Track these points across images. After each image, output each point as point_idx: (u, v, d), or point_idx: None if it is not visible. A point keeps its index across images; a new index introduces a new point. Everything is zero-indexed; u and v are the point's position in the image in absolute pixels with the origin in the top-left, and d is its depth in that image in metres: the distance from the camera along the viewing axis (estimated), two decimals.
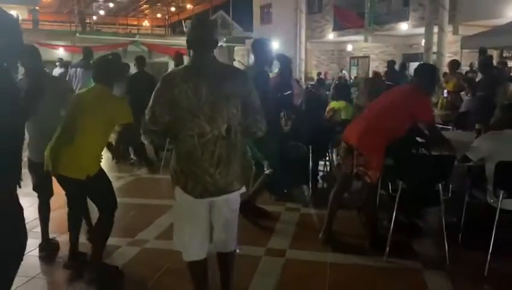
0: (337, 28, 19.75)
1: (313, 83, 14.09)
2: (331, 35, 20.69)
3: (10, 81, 1.98)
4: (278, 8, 23.43)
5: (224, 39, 22.52)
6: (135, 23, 31.48)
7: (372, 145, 3.56)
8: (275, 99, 4.32)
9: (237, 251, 2.67)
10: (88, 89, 3.27)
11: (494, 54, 12.31)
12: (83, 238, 3.63)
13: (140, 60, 7.14)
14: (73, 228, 3.35)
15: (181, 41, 24.72)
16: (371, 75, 14.16)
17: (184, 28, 28.98)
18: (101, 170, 3.12)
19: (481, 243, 3.36)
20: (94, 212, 3.32)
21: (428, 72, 3.85)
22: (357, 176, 3.63)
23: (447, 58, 12.62)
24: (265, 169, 4.29)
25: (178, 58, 7.34)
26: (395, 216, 3.51)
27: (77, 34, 20.90)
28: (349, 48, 22.06)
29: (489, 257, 3.26)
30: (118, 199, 3.28)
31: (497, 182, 3.34)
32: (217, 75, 2.34)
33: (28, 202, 2.94)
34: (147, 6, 30.40)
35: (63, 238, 3.70)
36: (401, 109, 3.63)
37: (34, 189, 3.53)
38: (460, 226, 3.79)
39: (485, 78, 6.32)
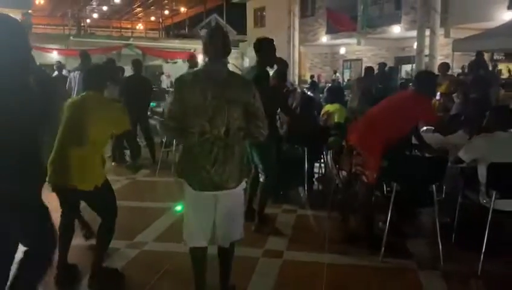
0: (330, 31, 19.86)
1: (306, 86, 14.18)
2: (324, 38, 20.80)
3: (27, 84, 2.08)
4: (272, 12, 23.53)
5: None
6: (129, 26, 31.40)
7: (370, 144, 3.65)
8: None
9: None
10: (82, 98, 3.14)
11: (486, 56, 12.45)
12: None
13: (137, 64, 7.24)
14: (67, 240, 3.21)
15: (175, 44, 24.76)
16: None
17: (183, 31, 29.06)
18: (106, 179, 3.13)
19: (474, 242, 3.44)
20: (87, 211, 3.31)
21: (429, 78, 4.03)
22: (355, 175, 3.71)
23: (439, 60, 12.74)
24: (260, 175, 4.23)
25: (192, 61, 7.95)
26: (390, 217, 3.57)
27: (71, 37, 20.88)
28: (342, 50, 22.20)
29: (482, 256, 3.33)
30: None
31: (489, 183, 3.42)
32: (224, 81, 2.57)
33: None
34: (140, 9, 30.37)
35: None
36: (403, 111, 3.75)
37: None
38: (453, 226, 3.86)
39: (475, 79, 6.42)
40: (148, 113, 7.58)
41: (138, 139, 7.30)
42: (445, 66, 7.90)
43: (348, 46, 21.17)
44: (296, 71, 20.48)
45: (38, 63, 3.59)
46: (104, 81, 3.28)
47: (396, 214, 3.91)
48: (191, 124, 2.52)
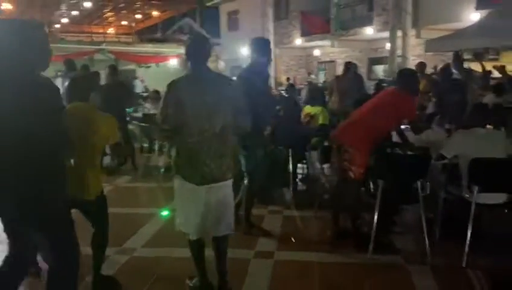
0: (305, 33, 20.05)
1: (283, 88, 14.27)
2: (298, 41, 20.96)
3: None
4: (245, 15, 23.57)
5: None
6: (101, 30, 30.92)
7: (354, 137, 3.73)
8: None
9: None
10: (74, 108, 2.98)
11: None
12: None
13: (113, 69, 7.14)
14: None
15: (148, 48, 24.50)
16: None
17: (156, 35, 28.77)
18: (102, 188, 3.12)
19: (458, 236, 3.55)
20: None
21: (411, 76, 4.10)
22: (343, 172, 3.78)
23: (412, 61, 13.06)
24: (244, 178, 4.19)
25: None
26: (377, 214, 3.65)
27: None
28: (317, 53, 22.40)
29: (466, 248, 3.44)
30: None
31: (471, 177, 3.54)
32: (212, 81, 2.84)
33: None
34: (111, 14, 29.95)
35: None
36: (387, 109, 3.81)
37: None
38: (437, 221, 3.97)
39: (453, 84, 6.56)
40: (127, 118, 7.50)
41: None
42: (422, 66, 8.09)
43: (322, 48, 21.37)
44: (272, 74, 20.56)
45: None
46: (89, 91, 3.21)
47: (382, 212, 4.00)
48: (190, 124, 2.71)
